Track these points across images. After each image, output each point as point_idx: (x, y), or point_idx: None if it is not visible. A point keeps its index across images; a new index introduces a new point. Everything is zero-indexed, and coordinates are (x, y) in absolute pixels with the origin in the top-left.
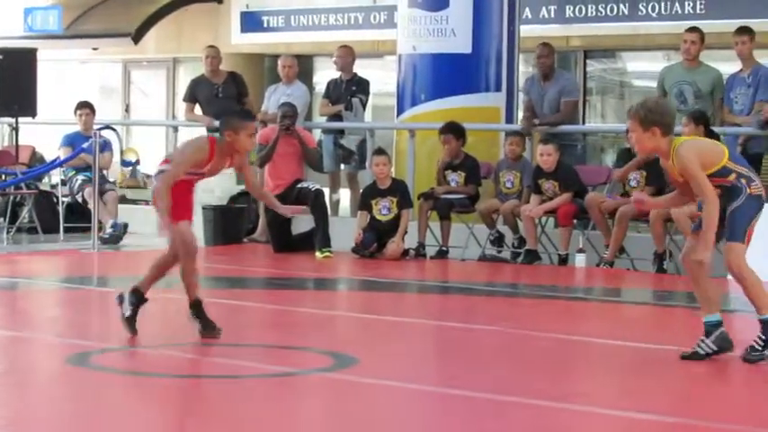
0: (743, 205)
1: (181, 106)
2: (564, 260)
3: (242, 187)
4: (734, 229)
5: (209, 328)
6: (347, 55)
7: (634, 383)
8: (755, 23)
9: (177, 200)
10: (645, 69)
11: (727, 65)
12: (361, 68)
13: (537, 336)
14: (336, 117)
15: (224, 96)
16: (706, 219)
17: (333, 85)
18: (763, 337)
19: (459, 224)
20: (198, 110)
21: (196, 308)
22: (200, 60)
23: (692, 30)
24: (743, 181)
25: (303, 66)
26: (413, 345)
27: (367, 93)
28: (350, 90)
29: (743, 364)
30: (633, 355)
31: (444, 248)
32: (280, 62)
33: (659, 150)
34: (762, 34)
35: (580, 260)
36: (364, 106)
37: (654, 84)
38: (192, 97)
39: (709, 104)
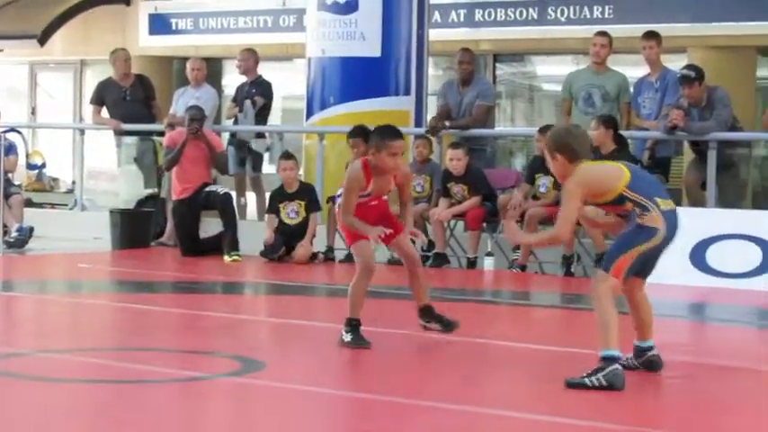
0: (625, 234)
1: (88, 109)
2: (472, 263)
3: (150, 191)
4: (607, 256)
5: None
6: (249, 58)
7: (543, 387)
8: (663, 28)
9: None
10: (554, 73)
11: (633, 69)
12: (271, 72)
13: (446, 339)
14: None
15: (131, 99)
16: (542, 235)
17: (239, 89)
18: (594, 368)
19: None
20: (105, 113)
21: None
22: (108, 63)
23: (601, 34)
24: (637, 210)
25: (212, 69)
26: (321, 349)
27: (267, 94)
28: (249, 92)
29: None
30: (542, 358)
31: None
32: (188, 65)
33: (566, 176)
34: (669, 39)
35: (489, 263)
36: (266, 108)
37: None
38: (99, 100)
39: (616, 108)
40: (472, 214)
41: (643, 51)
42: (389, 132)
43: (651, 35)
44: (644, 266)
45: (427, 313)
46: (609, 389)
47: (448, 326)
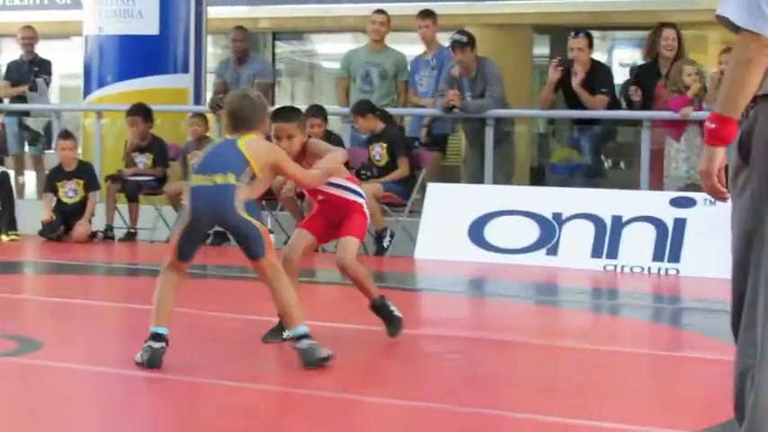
0: None
1: None
2: None
3: None
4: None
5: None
6: (34, 35)
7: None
8: (440, 6)
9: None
10: (334, 51)
11: (412, 47)
12: (48, 50)
13: (225, 317)
14: (19, 98)
15: None
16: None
17: (13, 66)
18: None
19: (148, 206)
20: None
21: None
22: None
23: (380, 12)
24: None
25: None
26: (99, 327)
27: (50, 72)
28: (32, 70)
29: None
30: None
31: (133, 230)
32: None
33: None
34: (446, 17)
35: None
36: (48, 86)
37: None
38: None
39: (393, 86)
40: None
41: (419, 30)
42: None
43: (427, 14)
44: (184, 248)
45: None
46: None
47: None
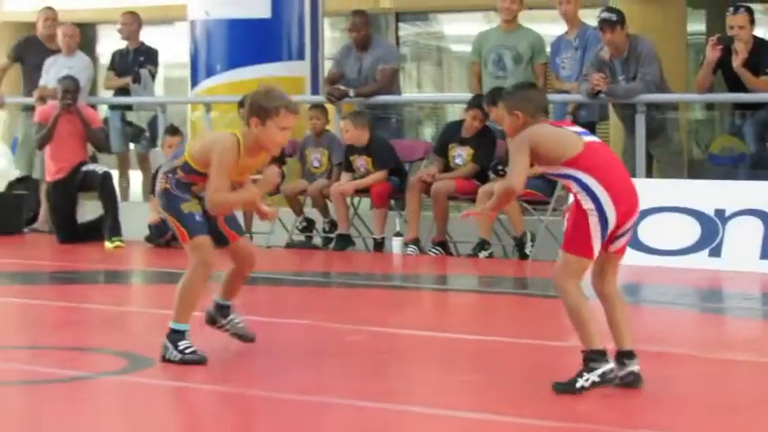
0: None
1: None
2: (379, 245)
3: (21, 172)
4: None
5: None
6: (132, 22)
7: (459, 379)
8: None
9: None
10: (463, 32)
11: (550, 27)
12: (150, 36)
13: (350, 329)
14: (123, 91)
15: None
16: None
17: (118, 56)
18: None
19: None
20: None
21: None
22: None
23: None
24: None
25: (85, 35)
26: (212, 342)
27: (156, 63)
28: (137, 61)
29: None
30: (456, 347)
31: (248, 234)
32: (59, 31)
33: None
34: None
35: (397, 245)
36: (154, 78)
37: None
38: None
39: (530, 71)
40: (377, 190)
41: (559, 7)
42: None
43: None
44: None
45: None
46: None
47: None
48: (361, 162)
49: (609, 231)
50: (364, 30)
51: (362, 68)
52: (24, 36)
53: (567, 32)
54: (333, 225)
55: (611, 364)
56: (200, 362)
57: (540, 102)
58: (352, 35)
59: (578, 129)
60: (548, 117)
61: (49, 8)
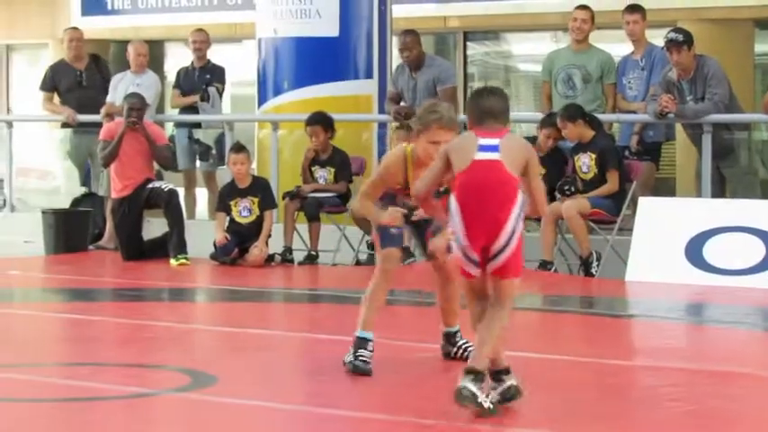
0: None
1: (17, 98)
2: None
3: (85, 189)
4: None
5: None
6: (206, 39)
7: (537, 399)
8: (649, 0)
9: None
10: (532, 52)
11: (620, 47)
12: (218, 54)
13: (419, 347)
14: (190, 109)
15: (88, 85)
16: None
17: (183, 74)
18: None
19: (330, 225)
20: (56, 100)
21: None
22: (37, 48)
23: (582, 7)
24: None
25: (153, 52)
26: (278, 360)
27: (223, 81)
28: (203, 78)
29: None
30: (528, 367)
31: (313, 253)
32: (130, 49)
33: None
34: (656, 12)
35: None
36: (221, 95)
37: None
38: (51, 86)
39: (599, 90)
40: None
41: (626, 27)
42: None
43: (635, 8)
44: None
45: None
46: None
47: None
48: None
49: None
50: (416, 49)
51: (417, 88)
52: (50, 65)
53: (633, 52)
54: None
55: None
56: (365, 372)
57: (479, 109)
58: (403, 55)
59: (489, 142)
60: (500, 124)
61: (75, 29)
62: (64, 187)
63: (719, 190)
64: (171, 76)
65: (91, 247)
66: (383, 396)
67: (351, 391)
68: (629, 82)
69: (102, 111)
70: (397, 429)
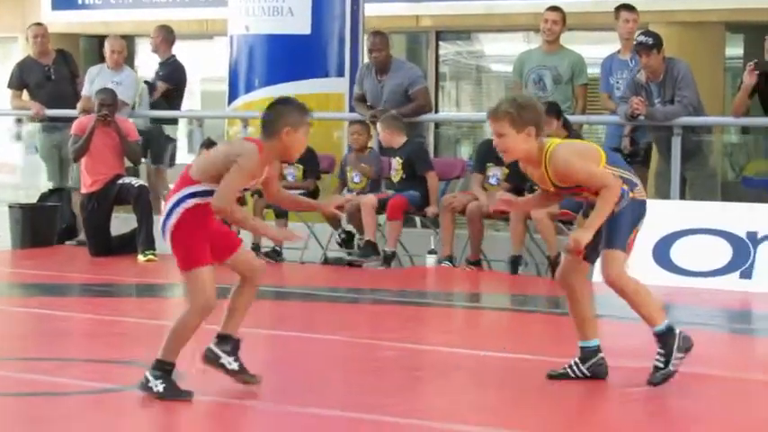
0: (625, 210)
1: None
2: (389, 258)
3: (52, 184)
4: (614, 235)
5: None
6: (158, 35)
7: (491, 397)
8: (618, 3)
9: (195, 232)
10: (503, 52)
11: (589, 48)
12: (189, 51)
13: (381, 345)
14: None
15: (56, 78)
16: (599, 211)
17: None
18: (663, 351)
19: (298, 223)
20: (26, 96)
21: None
22: (6, 43)
23: (553, 9)
24: (624, 186)
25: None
26: (244, 356)
27: (172, 78)
28: (156, 74)
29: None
30: (489, 365)
31: (279, 249)
32: (107, 45)
33: (530, 155)
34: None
35: (431, 261)
36: (175, 93)
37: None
38: (19, 83)
39: (570, 92)
40: (393, 203)
41: (624, 25)
42: (302, 106)
43: (630, 7)
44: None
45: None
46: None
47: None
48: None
49: None
50: (384, 51)
51: (384, 91)
52: (18, 62)
53: (620, 52)
54: (369, 242)
55: None
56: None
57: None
58: (372, 56)
59: None
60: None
61: (39, 24)
62: (31, 182)
63: (681, 192)
64: (141, 72)
65: (74, 242)
66: (351, 393)
67: (325, 389)
68: (617, 82)
69: (79, 105)
70: (365, 427)
